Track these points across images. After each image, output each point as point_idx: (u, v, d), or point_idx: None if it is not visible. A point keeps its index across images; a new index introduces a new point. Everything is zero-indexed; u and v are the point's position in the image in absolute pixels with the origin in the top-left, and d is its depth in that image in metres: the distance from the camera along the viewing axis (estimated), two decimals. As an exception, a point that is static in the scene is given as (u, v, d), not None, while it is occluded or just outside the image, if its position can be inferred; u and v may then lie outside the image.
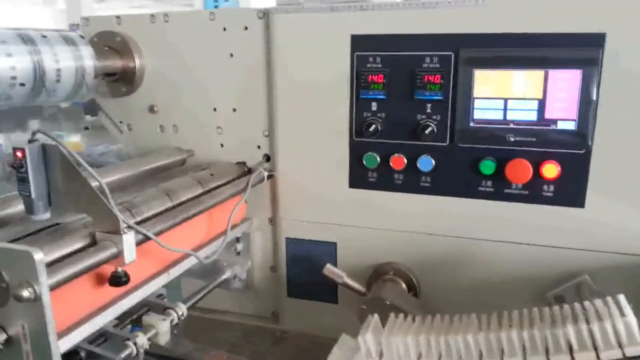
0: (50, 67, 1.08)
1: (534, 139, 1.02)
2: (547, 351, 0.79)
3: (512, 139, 1.03)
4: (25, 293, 0.67)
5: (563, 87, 0.98)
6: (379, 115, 1.11)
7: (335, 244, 1.22)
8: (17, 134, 3.49)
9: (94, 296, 0.84)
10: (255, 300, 1.34)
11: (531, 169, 1.02)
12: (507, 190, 1.06)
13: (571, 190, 1.02)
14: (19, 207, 0.87)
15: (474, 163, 1.07)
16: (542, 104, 1.00)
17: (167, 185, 1.04)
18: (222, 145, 1.28)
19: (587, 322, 0.78)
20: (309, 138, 1.18)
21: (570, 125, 0.99)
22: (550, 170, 1.02)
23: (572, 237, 1.04)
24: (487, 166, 1.05)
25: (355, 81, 1.11)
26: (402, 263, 1.17)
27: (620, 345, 0.75)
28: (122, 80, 1.30)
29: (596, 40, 0.95)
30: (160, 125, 1.32)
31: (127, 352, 0.89)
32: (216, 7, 4.81)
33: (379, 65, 1.09)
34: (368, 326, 0.91)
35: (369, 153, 1.13)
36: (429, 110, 1.07)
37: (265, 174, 1.22)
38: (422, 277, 1.16)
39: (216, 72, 1.24)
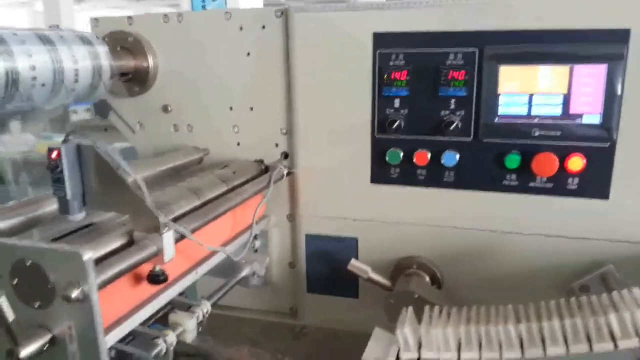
0: (68, 67, 1.06)
1: (558, 133, 1.03)
2: (589, 339, 0.80)
3: (537, 134, 1.05)
4: (74, 293, 0.66)
5: (588, 82, 1.00)
6: (401, 111, 1.11)
7: (356, 239, 1.22)
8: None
9: (131, 294, 0.83)
10: (273, 297, 1.33)
11: (557, 162, 1.03)
12: (531, 184, 1.07)
13: (596, 183, 1.03)
14: (49, 207, 0.86)
15: (498, 157, 1.08)
16: (567, 99, 1.02)
17: (192, 183, 1.03)
18: (238, 144, 1.27)
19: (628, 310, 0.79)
20: (329, 135, 1.18)
21: (595, 119, 1.01)
22: (576, 163, 1.03)
23: (596, 228, 1.06)
24: (512, 160, 1.06)
25: (377, 78, 1.11)
26: (425, 257, 1.17)
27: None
28: (135, 80, 1.28)
29: (621, 36, 0.97)
30: (174, 125, 1.31)
31: (157, 349, 0.88)
32: (204, 7, 4.78)
33: (402, 63, 1.09)
34: (404, 319, 0.91)
35: (392, 149, 1.13)
36: (452, 106, 1.08)
37: (285, 171, 1.21)
38: (446, 270, 1.17)
39: (232, 71, 1.23)
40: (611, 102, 0.99)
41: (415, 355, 0.87)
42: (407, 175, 1.14)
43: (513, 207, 1.09)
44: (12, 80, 0.91)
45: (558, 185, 1.06)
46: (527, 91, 1.04)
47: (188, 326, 0.95)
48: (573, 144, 1.03)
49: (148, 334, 0.91)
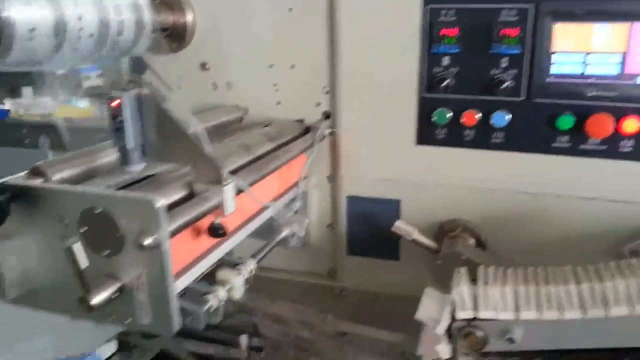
0: (113, 18, 1.03)
1: (614, 94, 1.01)
2: (653, 299, 0.79)
3: (591, 94, 1.02)
4: (147, 241, 0.65)
5: (648, 40, 0.97)
6: (451, 70, 1.09)
7: (398, 201, 1.21)
8: (16, 100, 3.38)
9: (191, 247, 0.82)
10: (311, 258, 1.33)
11: (613, 124, 1.01)
12: (583, 146, 1.06)
13: (651, 145, 1.02)
14: (105, 159, 0.84)
15: (550, 118, 1.06)
16: (624, 58, 0.99)
17: (240, 140, 1.01)
18: (278, 103, 1.25)
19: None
20: (373, 94, 1.16)
21: (654, 80, 0.99)
22: (631, 125, 1.01)
23: None
24: (565, 121, 1.04)
25: (426, 35, 1.09)
26: (470, 220, 1.16)
27: None
28: (173, 36, 1.25)
29: (685, -8, 0.94)
30: (212, 83, 1.28)
31: (207, 305, 0.88)
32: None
33: (453, 19, 1.06)
34: (460, 279, 0.90)
35: (440, 109, 1.11)
36: (504, 65, 1.05)
37: (327, 131, 1.19)
38: (491, 233, 1.15)
39: (273, 27, 1.21)
40: (672, 61, 0.97)
41: (472, 315, 0.86)
42: (455, 137, 1.12)
43: (563, 169, 1.08)
44: (61, 27, 0.88)
45: (611, 148, 1.04)
46: (582, 50, 1.01)
47: (236, 283, 0.95)
48: (629, 105, 1.01)
49: (198, 289, 0.91)
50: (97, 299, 0.66)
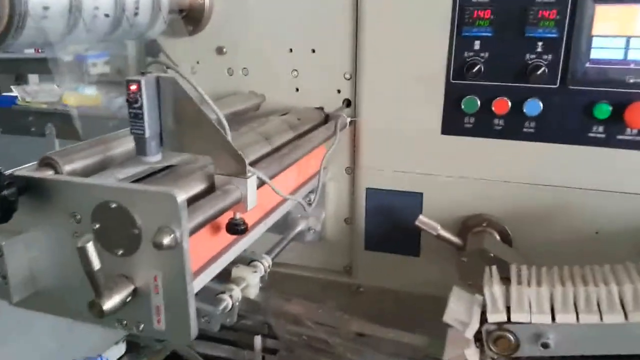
0: (128, -2, 0.98)
1: (656, 81, 0.95)
2: None
3: (631, 81, 0.96)
4: (166, 240, 0.60)
5: (697, 23, 0.91)
6: (482, 55, 1.03)
7: (421, 194, 1.15)
8: (23, 87, 3.34)
9: (210, 244, 0.77)
10: (327, 254, 1.28)
11: (654, 113, 0.95)
12: (620, 137, 1.00)
13: (694, 136, 0.96)
14: (119, 149, 0.79)
15: (586, 107, 1.00)
16: (669, 43, 0.93)
17: (260, 128, 0.96)
18: (297, 90, 1.20)
19: None
20: (398, 81, 1.10)
21: (700, 66, 0.92)
22: (673, 114, 0.95)
23: None
24: (602, 110, 0.98)
25: (458, 17, 1.02)
26: (495, 215, 1.10)
27: None
28: (190, 18, 1.20)
29: None
30: (228, 68, 1.23)
31: (223, 305, 0.83)
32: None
33: (486, 0, 1.00)
34: (491, 278, 0.85)
35: (469, 96, 1.05)
36: (540, 49, 0.99)
37: (348, 119, 1.14)
38: (518, 230, 1.10)
39: (294, 9, 1.15)
40: None
41: (504, 318, 0.81)
42: (484, 126, 1.06)
43: (598, 161, 1.02)
44: (75, 6, 0.83)
45: (651, 139, 0.98)
46: (624, 33, 0.95)
47: (251, 281, 0.89)
48: (672, 93, 0.95)
49: (213, 288, 0.86)
50: (109, 304, 0.61)
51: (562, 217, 1.06)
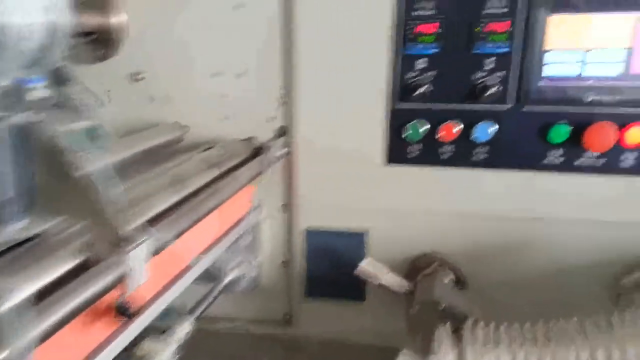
0: (16, 21, 0.83)
1: (617, 98, 0.85)
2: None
3: (589, 99, 0.87)
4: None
5: (658, 34, 0.82)
6: (428, 74, 0.92)
7: (366, 232, 1.03)
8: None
9: (91, 332, 0.62)
10: (263, 303, 1.14)
11: (616, 135, 0.85)
12: (578, 161, 0.90)
13: (658, 158, 0.87)
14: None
15: (541, 129, 0.90)
16: (629, 55, 0.84)
17: (174, 170, 0.83)
18: (226, 118, 1.07)
19: None
20: (336, 105, 0.98)
21: (664, 81, 0.83)
22: (635, 135, 0.86)
23: None
24: (559, 132, 0.89)
25: (398, 33, 0.91)
26: (447, 253, 0.99)
27: None
28: (99, 42, 1.06)
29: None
30: (148, 96, 1.09)
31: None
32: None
33: (432, 12, 0.89)
34: (442, 341, 0.73)
35: (414, 121, 0.94)
36: (490, 67, 0.89)
37: (282, 151, 1.02)
38: (473, 268, 0.99)
39: (220, 28, 1.02)
40: (686, 59, 0.82)
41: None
42: (431, 154, 0.95)
43: (555, 189, 0.93)
44: None
45: (611, 162, 0.89)
46: (580, 47, 0.85)
47: (163, 356, 0.76)
48: (634, 111, 0.85)
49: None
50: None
51: (521, 253, 0.96)
